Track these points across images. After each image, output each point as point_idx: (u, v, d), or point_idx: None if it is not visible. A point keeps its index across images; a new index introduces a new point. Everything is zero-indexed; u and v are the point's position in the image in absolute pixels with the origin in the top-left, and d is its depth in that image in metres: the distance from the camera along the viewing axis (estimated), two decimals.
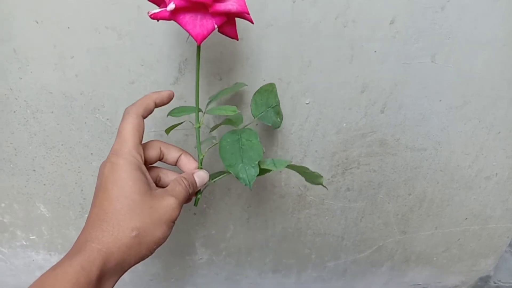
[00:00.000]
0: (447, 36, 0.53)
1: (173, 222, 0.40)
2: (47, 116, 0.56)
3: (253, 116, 0.52)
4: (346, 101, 0.57)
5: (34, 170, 0.61)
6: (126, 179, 0.37)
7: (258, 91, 0.52)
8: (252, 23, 0.42)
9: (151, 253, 0.39)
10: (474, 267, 0.84)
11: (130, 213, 0.37)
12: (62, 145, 0.58)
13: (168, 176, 0.45)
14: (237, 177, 0.43)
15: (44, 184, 0.62)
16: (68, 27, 0.49)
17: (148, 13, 0.36)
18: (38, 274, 0.74)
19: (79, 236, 0.37)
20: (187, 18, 0.36)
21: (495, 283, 0.90)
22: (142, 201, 0.37)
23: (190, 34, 0.37)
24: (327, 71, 0.54)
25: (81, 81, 0.53)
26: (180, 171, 0.47)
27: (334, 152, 0.62)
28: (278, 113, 0.54)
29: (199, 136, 0.47)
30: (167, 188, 0.41)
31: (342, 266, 0.79)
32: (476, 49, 0.55)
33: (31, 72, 0.52)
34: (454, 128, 0.62)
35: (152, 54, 0.51)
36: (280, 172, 0.63)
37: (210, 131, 0.52)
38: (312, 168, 0.63)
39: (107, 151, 0.59)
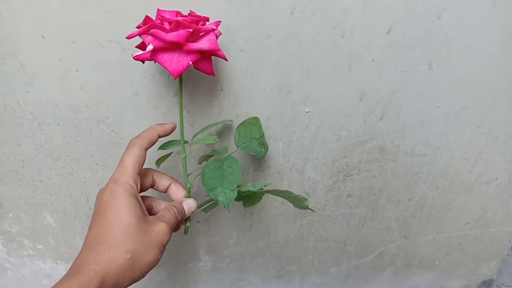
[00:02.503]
0: (444, 44, 0.54)
1: (164, 247, 0.43)
2: (53, 128, 0.57)
3: (236, 146, 0.55)
4: (345, 109, 0.59)
5: (40, 181, 0.62)
6: (123, 204, 0.40)
7: (241, 124, 0.55)
8: (226, 60, 0.46)
9: (143, 276, 0.41)
10: (476, 271, 0.84)
11: (126, 236, 0.39)
12: (68, 156, 0.60)
13: (160, 205, 0.49)
14: (216, 200, 0.46)
15: (51, 194, 0.64)
16: (73, 42, 0.50)
17: (132, 55, 0.41)
18: (45, 283, 0.75)
19: (77, 257, 0.39)
20: (165, 57, 0.41)
21: (498, 286, 0.90)
22: (137, 225, 0.40)
23: (167, 70, 0.41)
24: (326, 80, 0.56)
25: (86, 94, 0.54)
26: (170, 199, 0.50)
27: (334, 159, 0.63)
28: (262, 144, 0.57)
29: (185, 165, 0.50)
30: (157, 215, 0.44)
31: (345, 271, 0.80)
32: (472, 56, 0.56)
33: (37, 85, 0.53)
34: (452, 134, 0.63)
35: (155, 67, 0.52)
36: (282, 179, 0.64)
37: (199, 163, 0.55)
38: (313, 175, 0.64)
39: (112, 161, 0.60)
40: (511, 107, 0.61)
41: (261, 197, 0.55)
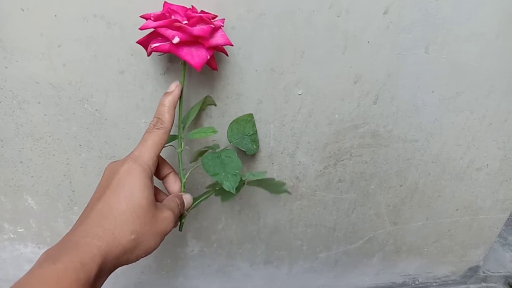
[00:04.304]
0: (441, 26, 0.53)
1: (165, 236, 0.42)
2: (34, 106, 0.54)
3: (229, 141, 0.56)
4: (338, 92, 0.57)
5: (21, 162, 0.60)
6: (138, 184, 0.39)
7: (235, 120, 0.56)
8: (227, 55, 0.50)
9: (136, 261, 0.40)
10: (464, 258, 0.85)
11: (134, 217, 0.38)
12: (49, 136, 0.57)
13: (159, 194, 0.48)
14: (222, 184, 0.47)
15: (32, 176, 0.61)
16: (55, 15, 0.47)
17: (150, 46, 0.43)
18: (27, 267, 0.72)
19: (76, 227, 0.37)
20: (185, 50, 0.43)
21: (484, 272, 0.91)
22: (147, 208, 0.39)
23: (190, 63, 0.43)
24: (320, 62, 0.54)
25: (69, 71, 0.51)
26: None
27: (326, 143, 0.62)
28: (254, 141, 0.58)
29: (181, 160, 0.50)
30: (163, 203, 0.44)
31: (334, 257, 0.79)
32: (470, 40, 0.55)
33: (17, 61, 0.50)
34: (446, 120, 0.62)
35: None
36: (272, 163, 0.63)
37: (191, 162, 0.55)
38: (304, 159, 0.63)
39: (96, 142, 0.58)
40: (506, 93, 0.60)
41: (240, 189, 0.55)
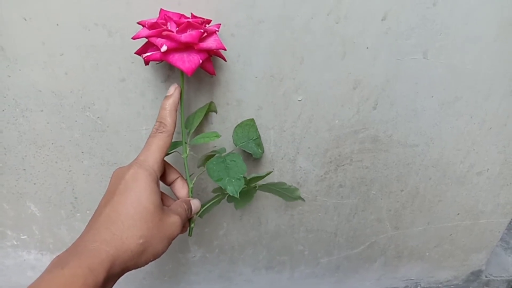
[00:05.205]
0: (439, 32, 0.53)
1: (172, 240, 0.42)
2: (37, 114, 0.55)
3: (235, 145, 0.56)
4: (338, 97, 0.57)
5: (24, 169, 0.60)
6: (144, 188, 0.39)
7: (239, 125, 0.57)
8: (225, 60, 0.50)
9: (145, 265, 0.40)
10: (466, 262, 0.85)
11: (141, 221, 0.38)
12: (52, 143, 0.58)
13: (167, 199, 0.48)
14: (226, 189, 0.47)
15: (35, 183, 0.62)
16: (57, 24, 0.48)
17: (142, 56, 0.44)
18: (29, 274, 0.73)
19: (84, 234, 0.37)
20: (176, 57, 0.43)
21: (486, 277, 0.90)
22: (154, 212, 0.39)
23: (181, 69, 0.42)
24: (319, 68, 0.54)
25: (70, 79, 0.52)
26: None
27: (326, 149, 0.62)
28: (259, 145, 0.58)
29: (187, 165, 0.51)
30: (170, 207, 0.44)
31: (335, 262, 0.79)
32: (468, 44, 0.55)
33: (19, 70, 0.51)
34: (446, 124, 0.62)
35: None
36: (273, 169, 0.63)
37: (198, 167, 0.55)
38: (305, 165, 0.63)
39: (98, 149, 0.58)
40: (505, 97, 0.60)
41: (253, 196, 0.55)
